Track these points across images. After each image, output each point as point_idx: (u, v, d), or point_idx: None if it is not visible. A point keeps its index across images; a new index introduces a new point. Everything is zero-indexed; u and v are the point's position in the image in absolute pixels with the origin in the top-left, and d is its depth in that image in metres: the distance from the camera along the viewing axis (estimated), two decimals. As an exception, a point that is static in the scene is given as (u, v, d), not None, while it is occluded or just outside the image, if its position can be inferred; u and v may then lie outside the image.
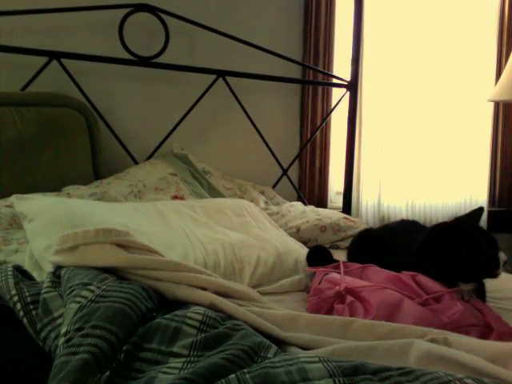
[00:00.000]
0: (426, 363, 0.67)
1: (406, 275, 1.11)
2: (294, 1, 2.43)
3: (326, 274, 1.20)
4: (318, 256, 1.39)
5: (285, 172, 2.43)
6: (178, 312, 0.78)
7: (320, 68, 2.43)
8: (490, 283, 1.20)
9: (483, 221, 2.83)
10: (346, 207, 2.49)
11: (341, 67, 2.51)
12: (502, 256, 1.11)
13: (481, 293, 1.18)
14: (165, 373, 0.65)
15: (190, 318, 0.76)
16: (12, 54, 1.77)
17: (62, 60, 1.88)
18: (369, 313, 0.99)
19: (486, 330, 0.95)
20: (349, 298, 1.05)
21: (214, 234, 1.43)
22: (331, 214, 2.00)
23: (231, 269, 1.31)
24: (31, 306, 0.81)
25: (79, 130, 1.84)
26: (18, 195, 1.43)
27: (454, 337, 0.77)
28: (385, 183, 2.63)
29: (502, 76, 2.52)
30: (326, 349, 0.73)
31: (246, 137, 2.36)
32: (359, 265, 1.23)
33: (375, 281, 1.11)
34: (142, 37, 2.07)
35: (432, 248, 1.15)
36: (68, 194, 1.63)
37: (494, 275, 1.12)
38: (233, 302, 0.87)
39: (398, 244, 1.29)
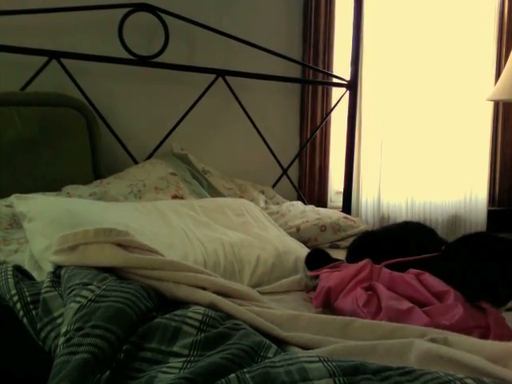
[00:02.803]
0: (426, 363, 0.67)
1: (409, 275, 1.11)
2: (293, 1, 2.43)
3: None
4: (317, 259, 1.39)
5: (285, 171, 2.43)
6: (178, 312, 0.78)
7: (320, 67, 2.43)
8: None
9: (483, 220, 2.84)
10: (346, 206, 2.49)
11: (340, 67, 2.52)
12: None
13: None
14: (165, 372, 0.65)
15: (189, 318, 0.76)
16: (12, 54, 1.77)
17: (62, 60, 1.88)
18: (379, 312, 0.99)
19: (487, 331, 0.95)
20: (370, 291, 1.06)
21: (213, 233, 1.43)
22: (331, 213, 2.00)
23: (231, 268, 1.31)
24: (31, 306, 0.81)
25: (79, 130, 1.84)
26: (18, 195, 1.43)
27: (454, 337, 0.77)
28: (385, 183, 2.64)
29: (502, 75, 2.52)
30: (326, 348, 0.73)
31: (246, 136, 2.36)
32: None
33: (380, 281, 1.11)
34: (141, 36, 2.07)
35: (458, 257, 1.12)
36: (68, 193, 1.63)
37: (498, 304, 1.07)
38: (233, 301, 0.87)
39: (401, 246, 1.28)
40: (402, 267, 1.16)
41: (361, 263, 1.15)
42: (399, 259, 1.20)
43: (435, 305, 1.00)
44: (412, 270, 1.13)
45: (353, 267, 1.16)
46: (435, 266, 1.13)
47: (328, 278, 1.18)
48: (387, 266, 1.18)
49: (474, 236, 1.19)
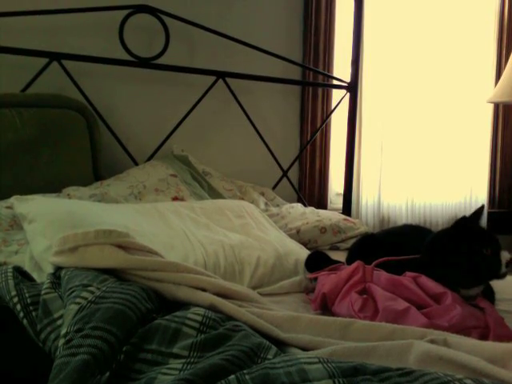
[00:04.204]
0: (425, 364, 0.67)
1: (407, 278, 1.11)
2: (294, 2, 2.44)
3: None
4: (317, 261, 1.39)
5: (285, 173, 2.43)
6: (177, 313, 0.78)
7: (320, 69, 2.43)
8: (492, 284, 1.19)
9: (483, 221, 2.84)
10: (346, 208, 2.49)
11: (341, 68, 2.52)
12: (505, 255, 1.07)
13: (489, 294, 1.17)
14: (164, 374, 0.65)
15: (189, 319, 0.76)
16: (12, 55, 1.78)
17: (63, 61, 1.89)
18: (376, 315, 0.99)
19: (487, 331, 0.95)
20: (365, 295, 1.06)
21: (214, 235, 1.43)
22: (331, 215, 2.00)
23: (231, 270, 1.31)
24: (31, 307, 0.81)
25: (79, 131, 1.84)
26: (18, 196, 1.43)
27: (453, 338, 0.77)
28: (385, 184, 2.64)
29: (502, 77, 2.52)
30: (326, 350, 0.73)
31: (246, 138, 2.36)
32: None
33: (375, 283, 1.10)
34: (142, 38, 2.07)
35: (434, 252, 1.14)
36: (68, 195, 1.63)
37: (498, 276, 1.09)
38: (233, 302, 0.87)
39: (401, 248, 1.28)
40: (396, 268, 1.16)
41: (352, 266, 1.15)
42: (388, 258, 1.20)
43: (433, 306, 1.00)
44: (409, 273, 1.13)
45: (345, 271, 1.15)
46: (426, 267, 1.13)
47: (323, 282, 1.18)
48: (378, 265, 1.18)
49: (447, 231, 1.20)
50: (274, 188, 2.39)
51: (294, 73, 2.44)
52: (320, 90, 2.48)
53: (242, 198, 2.05)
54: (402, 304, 0.99)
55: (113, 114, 2.06)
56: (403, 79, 2.63)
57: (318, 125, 2.48)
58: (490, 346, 0.73)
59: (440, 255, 1.12)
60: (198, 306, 0.84)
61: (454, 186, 2.80)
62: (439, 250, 1.13)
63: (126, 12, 1.96)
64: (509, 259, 1.07)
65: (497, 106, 2.87)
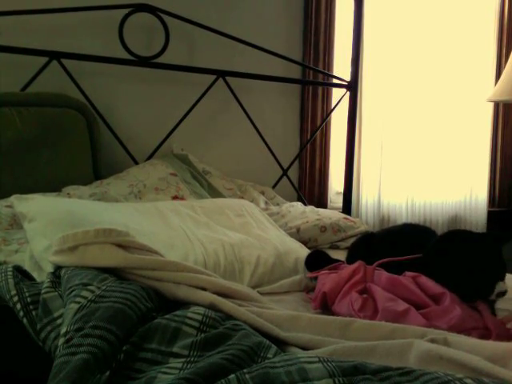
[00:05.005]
0: (426, 363, 0.67)
1: (406, 277, 1.11)
2: (294, 1, 2.44)
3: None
4: (317, 260, 1.39)
5: (285, 172, 2.43)
6: (177, 312, 0.78)
7: (320, 68, 2.43)
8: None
9: (483, 220, 2.84)
10: (346, 207, 2.49)
11: (341, 67, 2.52)
12: (501, 286, 1.03)
13: None
14: (165, 373, 0.65)
15: (189, 318, 0.76)
16: (12, 54, 1.77)
17: (62, 60, 1.88)
18: (376, 315, 0.99)
19: (486, 332, 0.95)
20: (365, 294, 1.06)
21: (214, 234, 1.43)
22: (331, 214, 2.00)
23: (231, 269, 1.31)
24: (31, 307, 0.81)
25: (79, 130, 1.84)
26: (18, 195, 1.43)
27: (453, 337, 0.77)
28: (385, 183, 2.64)
29: (502, 76, 2.52)
30: (326, 349, 0.73)
31: (246, 137, 2.36)
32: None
33: (375, 283, 1.10)
34: (142, 37, 2.07)
35: (438, 255, 1.13)
36: (68, 194, 1.63)
37: (486, 300, 1.07)
38: (233, 302, 0.87)
39: (401, 247, 1.28)
40: (396, 268, 1.16)
41: (353, 266, 1.15)
42: (390, 258, 1.20)
43: (432, 307, 1.00)
44: (408, 273, 1.12)
45: (346, 270, 1.15)
46: (428, 266, 1.13)
47: (324, 281, 1.18)
48: (380, 266, 1.17)
49: (452, 234, 1.19)
50: (274, 187, 2.39)
51: (294, 72, 2.44)
52: (320, 89, 2.48)
53: (242, 197, 2.05)
54: (401, 305, 0.99)
55: (113, 112, 2.05)
56: (403, 78, 2.63)
57: (318, 124, 2.48)
58: (491, 345, 0.73)
59: (444, 260, 1.11)
60: (197, 305, 0.84)
61: (454, 185, 2.81)
62: (444, 253, 1.11)
63: (125, 11, 1.96)
64: (503, 291, 1.04)
65: (497, 104, 2.87)
